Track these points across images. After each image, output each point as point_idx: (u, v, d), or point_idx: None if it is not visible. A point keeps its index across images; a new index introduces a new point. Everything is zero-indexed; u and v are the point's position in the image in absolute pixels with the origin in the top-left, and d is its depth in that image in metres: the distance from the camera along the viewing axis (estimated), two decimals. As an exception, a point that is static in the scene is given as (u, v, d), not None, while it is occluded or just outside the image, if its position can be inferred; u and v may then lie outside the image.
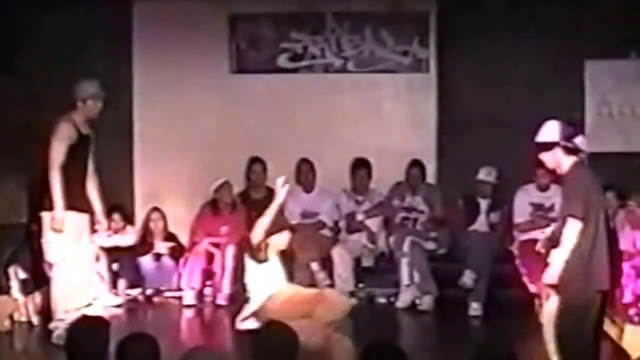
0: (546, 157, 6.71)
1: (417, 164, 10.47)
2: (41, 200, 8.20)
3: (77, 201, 8.15)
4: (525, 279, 9.24)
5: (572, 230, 6.43)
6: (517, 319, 9.05)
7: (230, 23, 11.29)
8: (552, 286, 6.60)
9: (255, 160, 10.74)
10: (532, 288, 9.12)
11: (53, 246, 8.16)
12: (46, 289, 8.55)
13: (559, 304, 6.52)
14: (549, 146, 6.65)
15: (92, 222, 8.44)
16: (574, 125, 6.84)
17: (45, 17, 10.81)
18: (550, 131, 6.66)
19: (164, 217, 10.78)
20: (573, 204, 6.48)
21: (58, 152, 8.05)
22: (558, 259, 6.48)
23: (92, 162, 8.37)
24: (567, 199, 6.61)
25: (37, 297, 9.04)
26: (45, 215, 8.17)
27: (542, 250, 6.81)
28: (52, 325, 8.19)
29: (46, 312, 8.61)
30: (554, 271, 6.50)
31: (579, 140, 6.68)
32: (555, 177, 7.22)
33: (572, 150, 6.62)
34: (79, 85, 8.28)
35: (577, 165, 6.62)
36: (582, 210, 6.43)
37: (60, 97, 8.46)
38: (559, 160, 6.65)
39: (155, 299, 10.35)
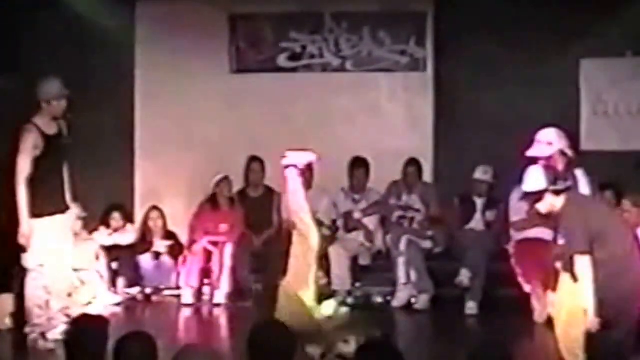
0: (539, 205, 6.61)
1: (414, 163, 10.48)
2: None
3: (57, 204, 8.00)
4: (520, 279, 9.27)
5: (584, 265, 6.32)
6: (513, 317, 9.10)
7: (230, 23, 11.33)
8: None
9: (253, 160, 10.77)
10: (527, 287, 9.17)
11: (30, 252, 8.02)
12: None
13: (594, 325, 6.33)
14: (538, 194, 6.59)
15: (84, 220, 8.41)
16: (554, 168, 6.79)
17: (47, 17, 10.85)
18: (537, 179, 6.60)
19: (163, 215, 10.80)
20: (574, 240, 6.39)
21: (24, 165, 7.89)
22: (589, 299, 6.31)
23: (66, 161, 8.18)
24: (567, 237, 6.52)
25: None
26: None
27: (560, 266, 6.71)
28: (27, 330, 8.11)
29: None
30: (593, 313, 6.30)
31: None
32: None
33: (562, 191, 6.57)
34: (42, 86, 8.07)
35: (569, 202, 6.52)
36: (584, 243, 6.32)
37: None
38: (552, 204, 6.56)
39: (154, 298, 10.39)
